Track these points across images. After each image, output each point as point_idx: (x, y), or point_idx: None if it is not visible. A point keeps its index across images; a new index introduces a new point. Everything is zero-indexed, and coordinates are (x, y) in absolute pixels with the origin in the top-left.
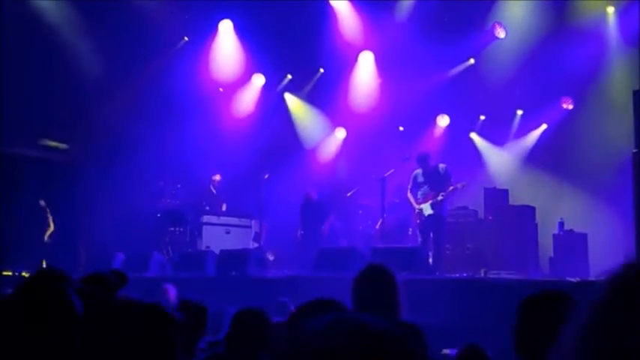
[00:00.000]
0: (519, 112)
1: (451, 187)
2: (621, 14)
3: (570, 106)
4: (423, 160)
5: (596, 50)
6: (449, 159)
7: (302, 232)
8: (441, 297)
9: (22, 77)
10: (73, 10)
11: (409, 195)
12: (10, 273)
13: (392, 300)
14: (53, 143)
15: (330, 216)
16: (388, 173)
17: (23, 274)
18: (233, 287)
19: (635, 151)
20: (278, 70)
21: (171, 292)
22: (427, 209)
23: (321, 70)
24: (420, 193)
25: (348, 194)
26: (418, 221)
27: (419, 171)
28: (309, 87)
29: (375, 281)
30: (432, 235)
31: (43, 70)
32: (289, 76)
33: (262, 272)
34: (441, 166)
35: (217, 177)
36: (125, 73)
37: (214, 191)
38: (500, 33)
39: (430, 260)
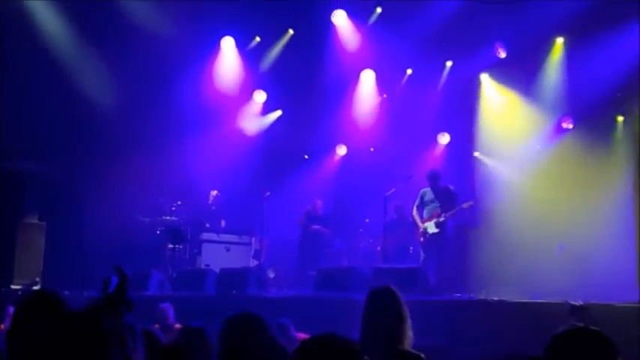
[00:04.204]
0: (519, 131)
1: (457, 207)
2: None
3: (570, 126)
4: (433, 178)
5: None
6: (449, 177)
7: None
8: (442, 318)
9: (22, 94)
10: (74, 29)
11: (415, 212)
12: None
13: (399, 328)
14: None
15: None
16: (390, 192)
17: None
18: (233, 307)
19: (635, 172)
20: (280, 87)
21: (170, 312)
22: (431, 227)
23: (323, 88)
24: (426, 211)
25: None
26: (422, 239)
27: (427, 189)
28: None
29: (381, 309)
30: (435, 253)
31: (43, 87)
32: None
33: (262, 291)
34: (451, 186)
35: (215, 192)
36: (126, 90)
37: (213, 207)
38: (502, 53)
39: (432, 280)
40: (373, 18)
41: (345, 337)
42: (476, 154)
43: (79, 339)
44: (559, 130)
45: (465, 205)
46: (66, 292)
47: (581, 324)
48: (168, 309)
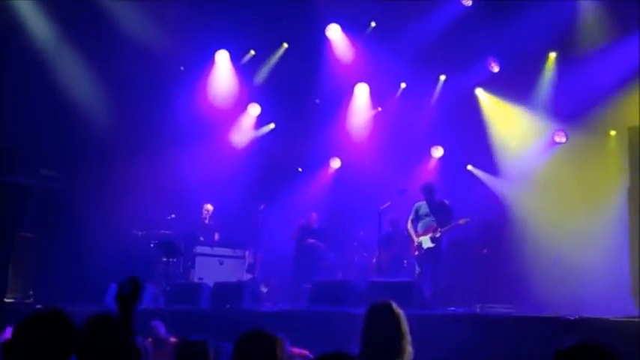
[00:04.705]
0: (512, 144)
1: (453, 223)
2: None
3: (563, 139)
4: (428, 192)
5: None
6: (443, 190)
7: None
8: (438, 333)
9: (16, 106)
10: (69, 40)
11: (409, 226)
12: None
13: (399, 343)
14: (45, 172)
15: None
16: (385, 206)
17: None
18: (227, 321)
19: (629, 186)
20: (274, 100)
21: (161, 329)
22: (426, 242)
23: (317, 101)
24: (420, 224)
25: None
26: (417, 253)
27: (422, 203)
28: (305, 117)
29: (382, 325)
30: (430, 268)
31: (38, 100)
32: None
33: (257, 306)
34: (446, 201)
35: (209, 206)
36: (121, 104)
37: (207, 221)
38: (495, 67)
39: (427, 293)
40: (367, 32)
41: (351, 356)
42: (469, 167)
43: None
44: (552, 143)
45: (461, 222)
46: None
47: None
48: (159, 326)
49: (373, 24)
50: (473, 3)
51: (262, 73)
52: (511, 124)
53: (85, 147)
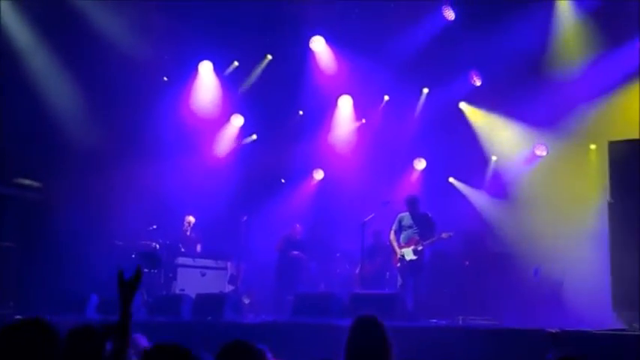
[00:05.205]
0: (494, 158)
1: (436, 237)
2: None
3: (544, 153)
4: (412, 203)
5: (569, 99)
6: (425, 203)
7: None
8: (420, 345)
9: None
10: (51, 50)
11: (392, 237)
12: None
13: (384, 356)
14: (27, 182)
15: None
16: (368, 218)
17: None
18: (209, 333)
19: (610, 201)
20: (257, 111)
21: (142, 341)
22: (409, 254)
23: (301, 113)
24: (403, 236)
25: None
26: (399, 265)
27: (406, 214)
28: (288, 129)
29: (367, 338)
30: (412, 280)
31: (18, 109)
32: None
33: (239, 317)
34: (429, 213)
35: (191, 218)
36: (103, 112)
37: (189, 232)
38: (477, 81)
39: (409, 306)
40: (352, 45)
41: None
42: (451, 179)
43: None
44: (533, 156)
45: (444, 236)
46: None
47: (561, 352)
48: (140, 339)
49: (356, 37)
50: (456, 17)
51: (246, 84)
52: (493, 137)
53: (66, 156)
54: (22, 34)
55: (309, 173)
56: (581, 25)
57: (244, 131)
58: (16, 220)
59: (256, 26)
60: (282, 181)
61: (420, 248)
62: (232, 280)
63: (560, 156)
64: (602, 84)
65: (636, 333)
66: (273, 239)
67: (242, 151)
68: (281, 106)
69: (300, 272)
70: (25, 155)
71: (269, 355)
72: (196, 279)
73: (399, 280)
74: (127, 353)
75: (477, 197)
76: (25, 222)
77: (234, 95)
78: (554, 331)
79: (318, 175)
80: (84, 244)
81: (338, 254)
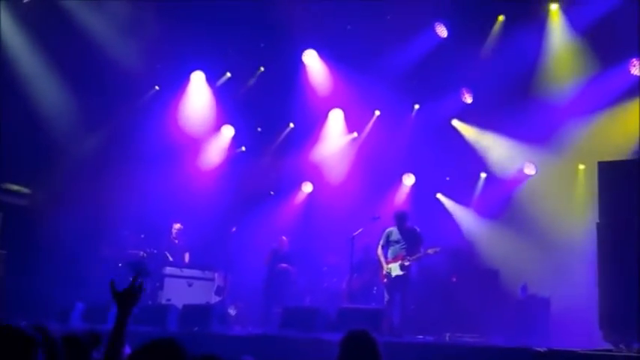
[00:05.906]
0: (483, 175)
1: (423, 252)
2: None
3: (533, 172)
4: (400, 219)
5: (559, 118)
6: (414, 218)
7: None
8: None
9: None
10: (42, 57)
11: (379, 252)
12: None
13: None
14: (15, 187)
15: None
16: (357, 232)
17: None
18: (195, 344)
19: (598, 222)
20: (247, 123)
21: (127, 351)
22: (395, 270)
23: (291, 125)
24: (390, 251)
25: None
26: (385, 280)
27: (393, 229)
28: (278, 141)
29: (359, 355)
30: (398, 295)
31: (9, 114)
32: (259, 129)
33: (225, 329)
34: (417, 228)
35: (178, 226)
36: (93, 120)
37: (176, 241)
38: (468, 98)
39: (395, 321)
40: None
41: None
42: (438, 195)
43: None
44: (522, 175)
45: (430, 251)
46: (23, 322)
47: None
48: (125, 348)
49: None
50: (448, 34)
51: (237, 96)
52: (483, 154)
53: (55, 163)
54: (13, 39)
55: (298, 186)
56: (572, 46)
57: (235, 142)
58: (2, 226)
59: (249, 38)
60: (271, 193)
61: (406, 264)
62: (219, 292)
63: (550, 175)
64: (591, 105)
65: (623, 353)
66: (261, 251)
67: (232, 162)
68: (272, 119)
69: (287, 285)
70: (13, 161)
71: None
72: (183, 289)
73: (386, 296)
74: None
75: (463, 215)
76: (12, 228)
77: (226, 106)
78: (542, 350)
79: (307, 188)
80: (71, 252)
81: (325, 268)
